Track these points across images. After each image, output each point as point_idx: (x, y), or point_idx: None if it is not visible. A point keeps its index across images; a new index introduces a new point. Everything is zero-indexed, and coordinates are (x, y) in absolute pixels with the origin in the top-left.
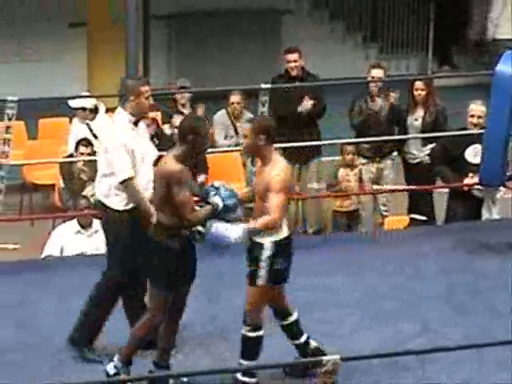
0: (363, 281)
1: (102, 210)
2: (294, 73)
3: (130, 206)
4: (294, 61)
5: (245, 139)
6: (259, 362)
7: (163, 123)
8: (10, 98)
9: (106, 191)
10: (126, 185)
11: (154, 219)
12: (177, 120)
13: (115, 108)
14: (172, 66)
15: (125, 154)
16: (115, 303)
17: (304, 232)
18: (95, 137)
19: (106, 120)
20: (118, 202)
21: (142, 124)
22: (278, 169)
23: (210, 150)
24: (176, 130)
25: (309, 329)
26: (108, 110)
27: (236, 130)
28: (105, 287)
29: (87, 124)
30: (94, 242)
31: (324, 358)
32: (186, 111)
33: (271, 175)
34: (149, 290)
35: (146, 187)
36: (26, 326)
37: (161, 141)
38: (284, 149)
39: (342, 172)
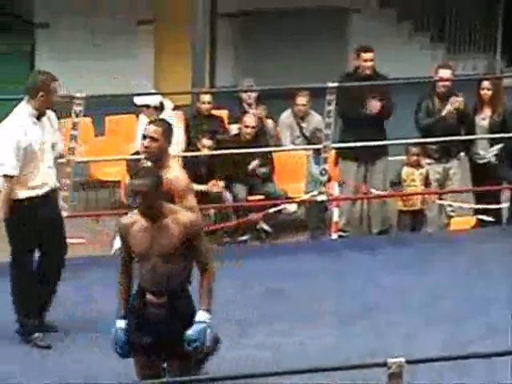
0: (428, 281)
1: None
2: (367, 72)
3: (22, 196)
4: (370, 60)
5: (153, 143)
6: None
7: (229, 123)
8: (77, 95)
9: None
10: (4, 179)
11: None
12: (248, 119)
13: (182, 106)
14: (239, 65)
15: (12, 150)
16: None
17: (369, 232)
18: None
19: (171, 117)
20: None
21: (50, 115)
22: (178, 171)
23: (275, 149)
24: (246, 129)
25: (373, 329)
26: (175, 108)
27: (301, 131)
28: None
29: None
30: None
31: (389, 360)
32: (252, 111)
33: (176, 178)
34: None
35: (45, 178)
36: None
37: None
38: (350, 148)
39: (406, 172)
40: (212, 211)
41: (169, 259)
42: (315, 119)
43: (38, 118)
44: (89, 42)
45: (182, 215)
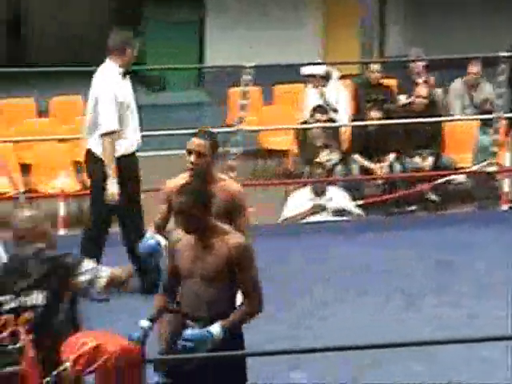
0: None
1: (89, 158)
2: None
3: (120, 153)
4: None
5: (200, 158)
6: None
7: (398, 93)
8: (247, 65)
9: (98, 140)
10: (105, 138)
11: (111, 178)
12: (421, 89)
13: (349, 75)
14: (408, 35)
15: (113, 107)
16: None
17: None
18: (327, 103)
19: (338, 86)
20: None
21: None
22: (237, 184)
23: (445, 119)
24: (419, 99)
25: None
26: (342, 77)
27: (472, 100)
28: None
29: (320, 90)
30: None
31: None
32: (421, 80)
33: (239, 192)
34: None
35: (133, 134)
36: None
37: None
38: None
39: None
40: (380, 181)
41: (211, 283)
42: (486, 89)
43: (124, 75)
44: (258, 12)
45: (232, 237)
